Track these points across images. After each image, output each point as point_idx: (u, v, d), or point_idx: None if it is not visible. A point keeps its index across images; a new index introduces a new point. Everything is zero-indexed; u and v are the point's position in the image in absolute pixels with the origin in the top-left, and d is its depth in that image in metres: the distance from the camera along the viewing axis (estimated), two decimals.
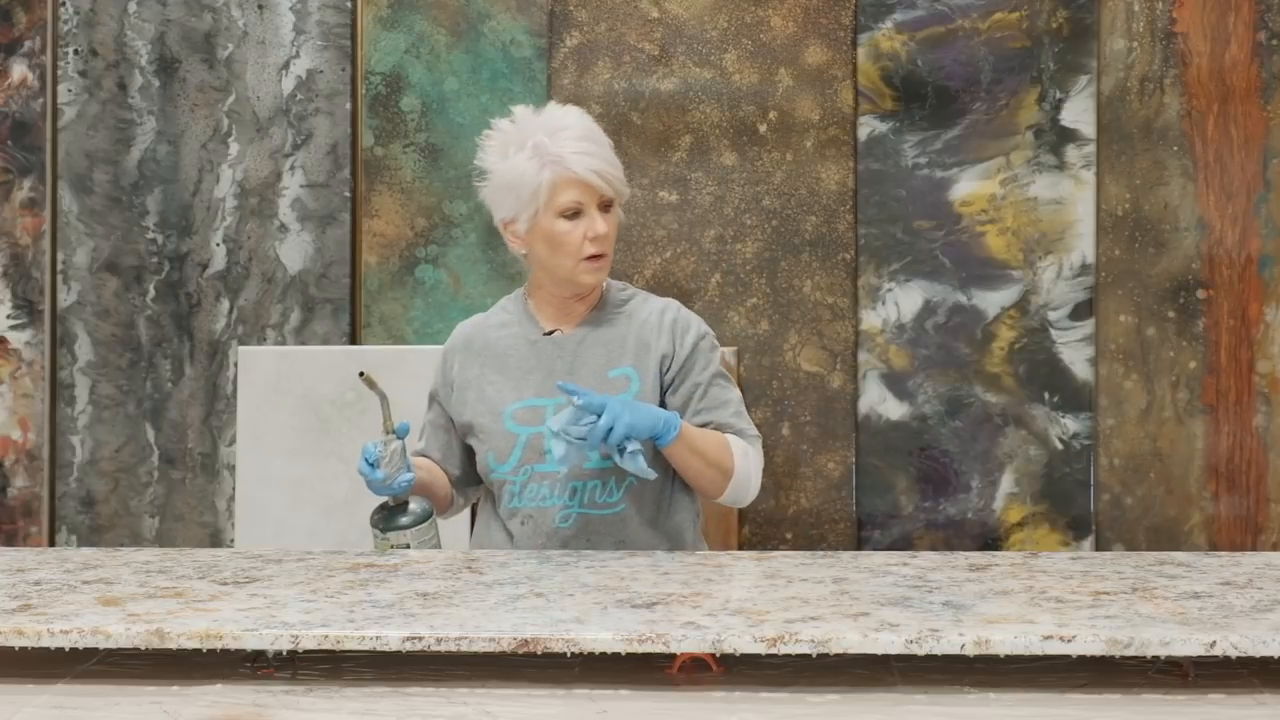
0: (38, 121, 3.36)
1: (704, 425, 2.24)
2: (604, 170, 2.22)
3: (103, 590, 1.82)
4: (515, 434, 2.27)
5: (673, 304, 2.35)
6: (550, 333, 2.33)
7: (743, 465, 2.24)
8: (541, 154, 2.22)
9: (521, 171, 2.23)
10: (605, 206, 2.24)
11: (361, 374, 2.19)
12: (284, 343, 3.35)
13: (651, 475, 2.11)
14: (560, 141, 2.23)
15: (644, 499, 2.27)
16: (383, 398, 2.18)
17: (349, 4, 3.36)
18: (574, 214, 2.24)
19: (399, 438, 2.15)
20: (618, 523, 2.25)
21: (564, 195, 2.23)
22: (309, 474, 3.28)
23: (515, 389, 2.30)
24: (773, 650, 1.56)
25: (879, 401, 3.30)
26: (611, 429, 2.06)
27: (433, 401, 2.39)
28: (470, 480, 2.39)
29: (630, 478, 2.24)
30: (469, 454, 2.37)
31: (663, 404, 2.27)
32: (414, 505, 2.19)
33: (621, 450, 2.09)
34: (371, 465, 2.14)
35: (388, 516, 2.18)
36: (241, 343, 3.35)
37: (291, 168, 3.36)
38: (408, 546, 2.16)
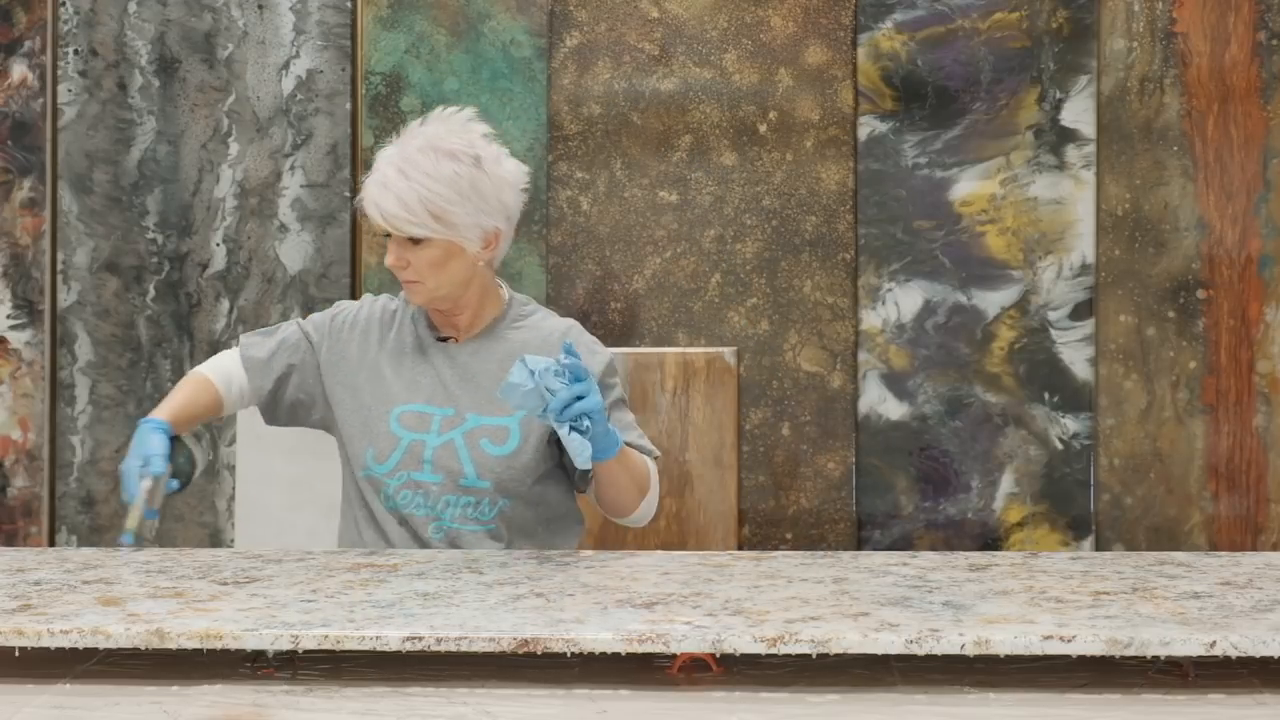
0: (38, 121, 3.36)
1: None
2: (388, 210, 2.18)
3: (103, 590, 1.82)
4: (398, 437, 2.25)
5: (575, 326, 2.33)
6: (443, 339, 2.31)
7: (655, 486, 2.26)
8: (377, 169, 2.23)
9: (365, 181, 2.24)
10: (411, 239, 2.20)
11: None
12: None
13: (588, 464, 2.06)
14: (385, 164, 2.21)
15: (519, 520, 2.26)
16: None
17: (349, 4, 3.36)
18: (387, 234, 2.24)
19: (175, 485, 2.17)
20: (489, 539, 2.24)
21: (368, 219, 2.25)
22: (309, 474, 3.28)
23: (406, 390, 2.27)
24: (773, 650, 1.56)
25: (879, 401, 3.30)
26: (581, 398, 2.02)
27: (300, 333, 2.35)
28: (249, 400, 2.35)
29: (504, 501, 2.23)
30: (268, 388, 2.33)
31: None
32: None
33: (576, 428, 2.03)
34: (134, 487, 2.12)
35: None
36: None
37: (291, 168, 3.36)
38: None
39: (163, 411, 2.23)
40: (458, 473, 2.23)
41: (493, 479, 2.23)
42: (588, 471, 2.13)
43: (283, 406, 2.36)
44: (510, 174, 2.26)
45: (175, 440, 2.20)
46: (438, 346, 2.30)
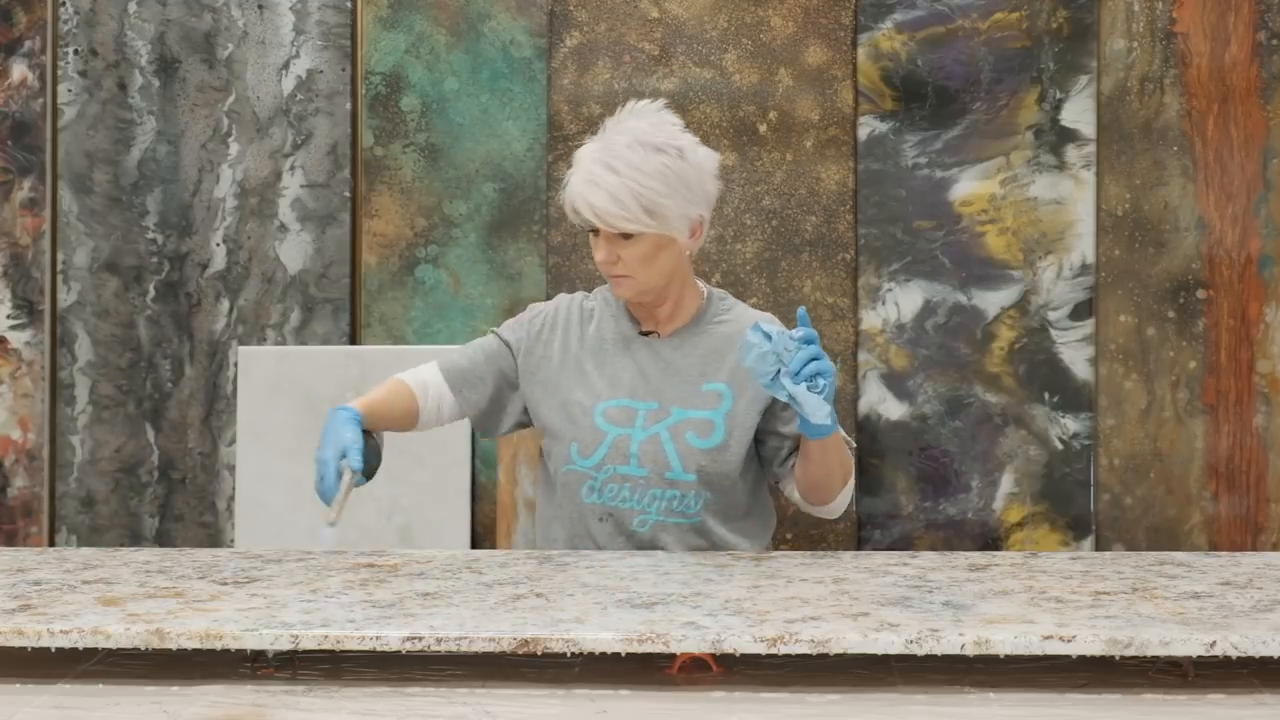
0: (38, 121, 3.36)
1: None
2: (601, 206, 2.18)
3: (103, 590, 1.82)
4: (604, 432, 2.26)
5: (774, 321, 2.35)
6: (646, 333, 2.32)
7: (852, 478, 2.29)
8: (581, 167, 2.23)
9: (568, 179, 2.26)
10: (621, 234, 2.21)
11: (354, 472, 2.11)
12: (284, 343, 3.35)
13: (828, 420, 2.07)
14: (590, 161, 2.22)
15: (722, 515, 2.27)
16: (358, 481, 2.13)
17: (349, 4, 3.36)
18: (593, 231, 2.25)
19: (363, 480, 2.12)
20: (692, 532, 2.25)
21: (579, 215, 2.24)
22: (309, 474, 3.28)
23: (609, 385, 2.29)
24: (773, 650, 1.56)
25: (879, 401, 3.29)
26: (816, 359, 2.02)
27: (498, 340, 2.37)
28: (471, 410, 2.35)
29: (708, 495, 2.24)
30: (486, 399, 2.34)
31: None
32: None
33: (812, 388, 2.03)
34: (328, 492, 2.08)
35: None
36: (241, 343, 3.35)
37: (291, 168, 3.36)
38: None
39: (357, 403, 2.22)
40: (664, 466, 2.24)
41: (698, 472, 2.24)
42: (790, 458, 2.21)
43: (501, 415, 2.36)
44: (707, 162, 2.28)
45: (365, 435, 2.16)
46: (641, 340, 2.32)
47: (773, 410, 2.26)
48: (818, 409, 2.04)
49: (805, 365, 2.02)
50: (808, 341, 2.03)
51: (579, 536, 2.28)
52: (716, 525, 2.26)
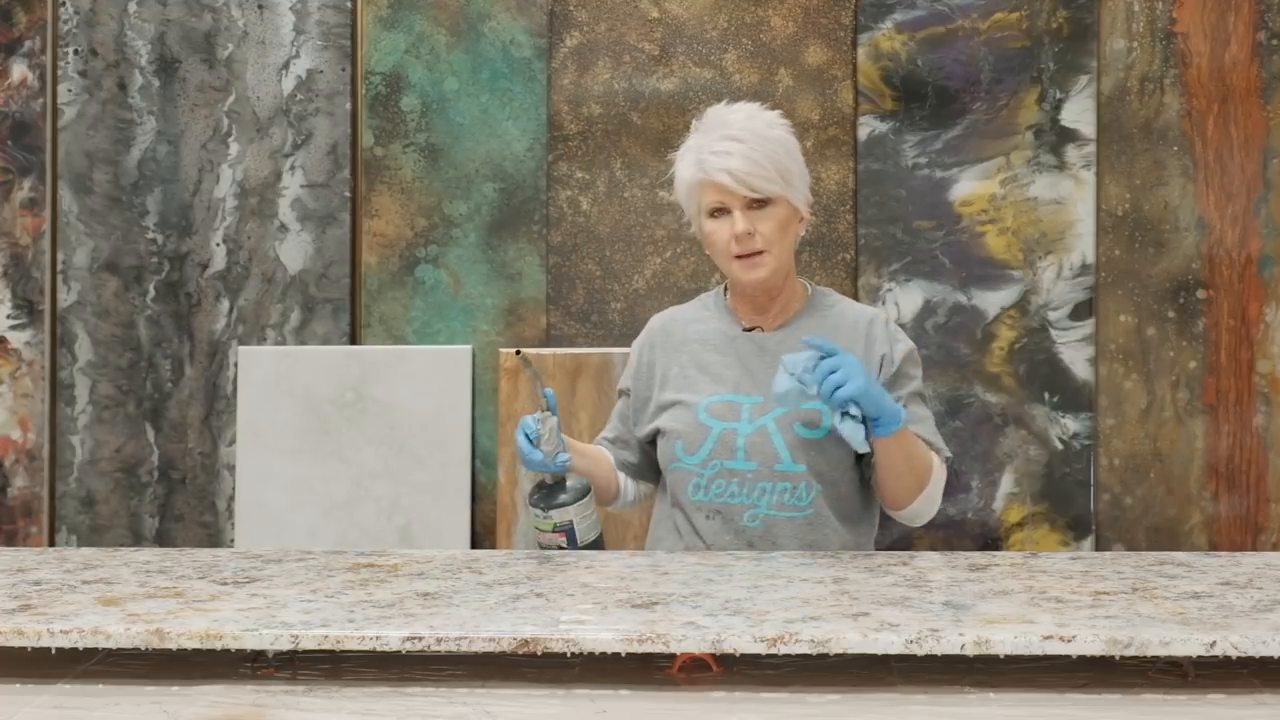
0: (38, 121, 3.36)
1: None
2: (739, 169, 2.21)
3: (103, 590, 1.82)
4: (708, 427, 2.27)
5: (880, 315, 2.36)
6: (750, 329, 2.34)
7: (936, 482, 2.25)
8: (695, 154, 2.27)
9: (680, 174, 2.30)
10: (756, 204, 2.23)
11: (518, 352, 2.20)
12: (284, 343, 3.35)
13: (864, 448, 2.08)
14: (709, 141, 2.26)
15: (836, 501, 2.26)
16: (536, 375, 2.19)
17: (349, 4, 3.36)
18: (719, 213, 2.26)
19: (553, 414, 2.16)
20: (805, 525, 2.25)
21: (706, 196, 2.27)
22: (309, 474, 3.28)
23: (712, 383, 2.31)
24: (773, 650, 1.56)
25: None
26: (841, 386, 2.04)
27: (623, 394, 2.43)
28: (645, 474, 2.41)
29: (819, 486, 2.24)
30: (650, 448, 2.40)
31: None
32: (572, 482, 2.19)
33: (844, 413, 2.05)
34: (530, 442, 2.14)
35: (548, 494, 2.18)
36: (241, 343, 3.35)
37: (291, 168, 3.36)
38: (570, 523, 2.16)
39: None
40: (772, 458, 2.24)
41: (807, 462, 2.24)
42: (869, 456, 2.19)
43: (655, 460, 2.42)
44: None
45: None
46: (744, 337, 2.34)
47: None
48: (851, 436, 2.06)
49: (831, 395, 2.04)
50: (828, 371, 2.04)
51: (687, 534, 2.28)
52: (830, 518, 2.25)
